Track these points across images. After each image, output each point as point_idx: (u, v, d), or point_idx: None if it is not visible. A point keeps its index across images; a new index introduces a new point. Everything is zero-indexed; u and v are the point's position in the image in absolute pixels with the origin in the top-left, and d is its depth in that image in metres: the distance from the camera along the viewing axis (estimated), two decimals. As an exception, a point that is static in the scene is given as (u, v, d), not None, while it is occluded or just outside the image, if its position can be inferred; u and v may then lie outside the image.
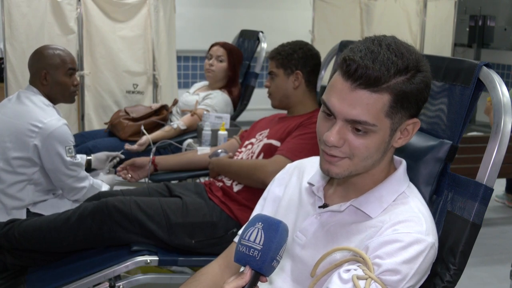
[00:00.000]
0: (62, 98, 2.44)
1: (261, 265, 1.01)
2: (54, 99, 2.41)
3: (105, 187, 2.52)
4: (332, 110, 1.11)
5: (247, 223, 1.08)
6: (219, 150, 2.52)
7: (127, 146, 3.02)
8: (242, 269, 1.05)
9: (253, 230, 1.03)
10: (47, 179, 2.36)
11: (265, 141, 2.28)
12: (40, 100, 2.34)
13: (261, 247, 1.01)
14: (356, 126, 1.09)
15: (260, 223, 1.04)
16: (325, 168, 1.16)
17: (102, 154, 2.76)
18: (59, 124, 2.28)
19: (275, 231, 1.03)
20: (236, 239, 1.42)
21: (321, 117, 1.16)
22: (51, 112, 2.33)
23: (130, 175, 2.64)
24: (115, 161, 2.80)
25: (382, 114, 1.09)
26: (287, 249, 1.08)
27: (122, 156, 2.84)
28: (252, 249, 1.01)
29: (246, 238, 1.03)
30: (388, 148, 1.15)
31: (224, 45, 3.40)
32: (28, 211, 2.34)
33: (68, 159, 2.30)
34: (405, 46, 1.11)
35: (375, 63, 1.06)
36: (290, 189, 1.35)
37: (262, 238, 1.02)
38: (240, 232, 1.35)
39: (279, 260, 1.03)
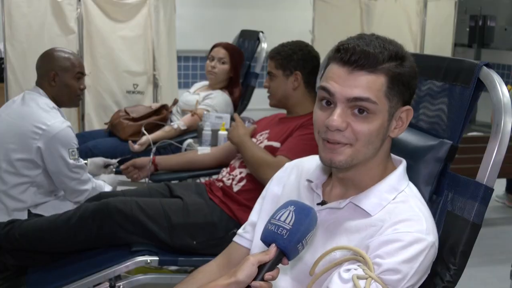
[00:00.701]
0: (68, 101, 2.46)
1: (288, 244, 1.05)
2: (59, 102, 2.42)
3: (107, 188, 2.52)
4: (332, 91, 1.12)
5: (279, 206, 1.11)
6: (247, 121, 2.53)
7: (131, 143, 3.03)
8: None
9: (284, 212, 1.08)
10: (49, 181, 2.36)
11: (266, 143, 2.28)
12: (44, 103, 2.35)
13: (291, 227, 1.05)
14: (359, 105, 1.10)
15: (292, 206, 1.09)
16: (328, 157, 1.15)
17: (99, 160, 2.75)
18: (63, 127, 2.29)
19: (306, 215, 1.07)
20: (235, 239, 1.42)
21: (318, 107, 1.17)
22: (55, 114, 2.33)
23: (132, 174, 2.64)
24: (111, 168, 2.77)
25: (382, 94, 1.11)
26: None
27: (117, 165, 2.80)
28: (281, 228, 1.06)
29: (277, 218, 1.08)
30: (386, 135, 1.16)
31: (226, 46, 3.39)
32: (29, 212, 2.34)
33: (71, 161, 2.30)
34: (390, 39, 1.17)
35: (369, 46, 1.11)
36: (289, 187, 1.35)
37: (293, 219, 1.06)
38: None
39: (305, 245, 1.07)
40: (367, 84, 1.10)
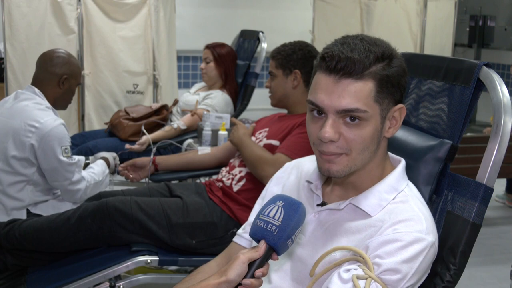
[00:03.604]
0: (64, 104, 2.50)
1: (277, 240, 1.04)
2: (56, 104, 2.43)
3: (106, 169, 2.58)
4: (321, 106, 1.12)
5: (267, 201, 1.10)
6: (246, 122, 2.54)
7: (128, 145, 3.03)
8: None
9: (273, 207, 1.07)
10: (45, 179, 2.36)
11: (265, 141, 2.28)
12: (37, 102, 2.34)
13: (280, 223, 1.05)
14: (349, 115, 1.10)
15: (281, 201, 1.08)
16: (325, 167, 1.16)
17: (98, 156, 2.75)
18: (56, 124, 2.28)
19: (295, 210, 1.06)
20: (235, 239, 1.42)
21: (309, 119, 1.17)
22: (47, 112, 2.33)
23: (128, 174, 2.64)
24: (115, 168, 2.77)
25: (371, 100, 1.11)
26: None
27: (118, 159, 2.81)
28: (270, 224, 1.05)
29: (266, 214, 1.07)
30: (381, 138, 1.16)
31: (208, 46, 3.48)
32: (28, 212, 2.34)
33: (64, 159, 2.29)
34: (375, 38, 1.16)
35: (354, 52, 1.09)
36: (288, 188, 1.35)
37: (282, 215, 1.05)
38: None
39: (294, 240, 1.07)
40: (354, 94, 1.09)
